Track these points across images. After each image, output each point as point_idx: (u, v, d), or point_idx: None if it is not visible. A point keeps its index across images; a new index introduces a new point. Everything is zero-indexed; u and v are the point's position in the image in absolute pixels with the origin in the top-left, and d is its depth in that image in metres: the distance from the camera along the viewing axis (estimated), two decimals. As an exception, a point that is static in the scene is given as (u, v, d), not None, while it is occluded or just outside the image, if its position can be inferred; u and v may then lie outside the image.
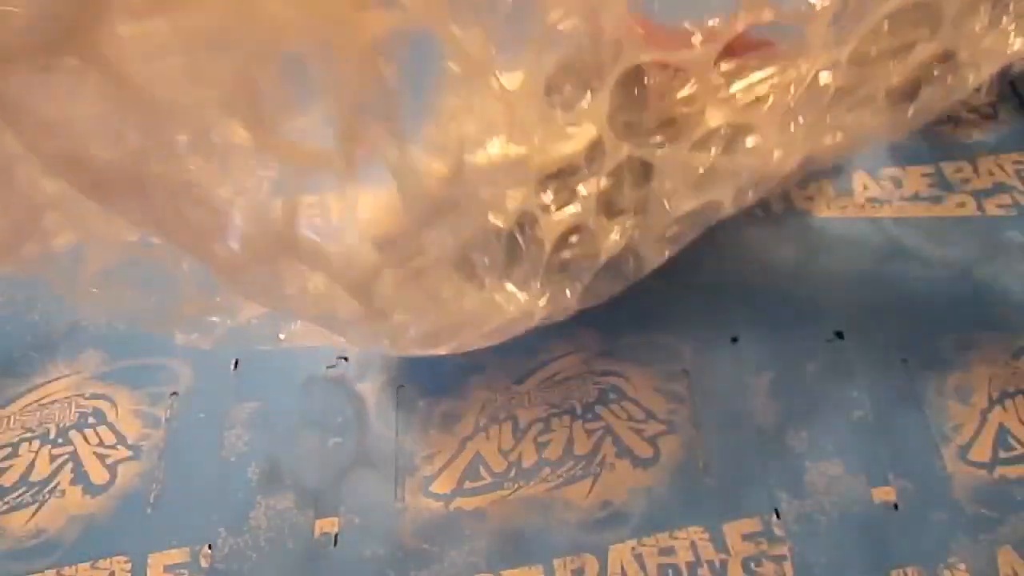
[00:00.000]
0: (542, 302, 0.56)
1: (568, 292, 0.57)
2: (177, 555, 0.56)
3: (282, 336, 0.60)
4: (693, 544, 0.56)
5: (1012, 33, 0.55)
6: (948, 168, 0.76)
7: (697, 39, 0.49)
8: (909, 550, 0.56)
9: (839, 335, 0.65)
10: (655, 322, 0.66)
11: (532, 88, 0.47)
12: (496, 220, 0.52)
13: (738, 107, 0.55)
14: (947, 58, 0.57)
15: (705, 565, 0.55)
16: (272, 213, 0.44)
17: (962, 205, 0.74)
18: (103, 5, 0.32)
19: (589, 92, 0.49)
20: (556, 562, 0.56)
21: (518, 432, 0.61)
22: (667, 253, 0.59)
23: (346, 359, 0.60)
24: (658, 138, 0.55)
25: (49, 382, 0.64)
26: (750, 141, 0.57)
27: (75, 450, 0.60)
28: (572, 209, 0.55)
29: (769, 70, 0.54)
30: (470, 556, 0.56)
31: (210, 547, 0.56)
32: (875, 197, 0.73)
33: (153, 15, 0.34)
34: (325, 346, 0.61)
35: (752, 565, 0.55)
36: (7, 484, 0.59)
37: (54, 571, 0.55)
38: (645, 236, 0.58)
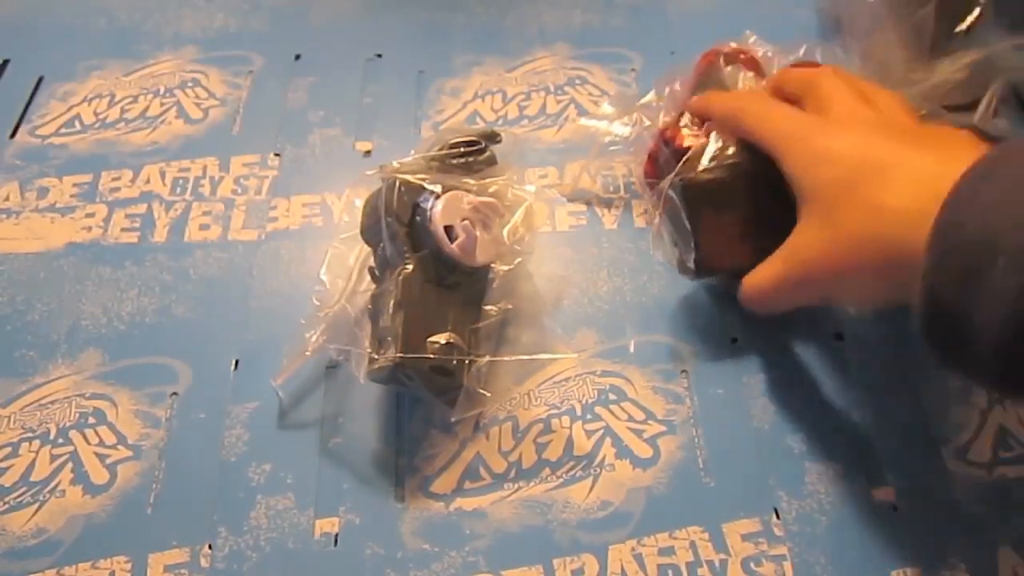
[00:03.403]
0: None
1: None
2: (177, 555, 0.56)
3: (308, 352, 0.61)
4: (693, 544, 0.56)
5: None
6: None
7: None
8: (909, 550, 0.56)
9: (838, 336, 0.65)
10: (655, 323, 0.66)
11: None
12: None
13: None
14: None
15: (705, 565, 0.55)
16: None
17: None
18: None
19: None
20: (556, 562, 0.56)
21: (518, 433, 0.61)
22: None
23: (347, 359, 0.60)
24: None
25: (49, 382, 0.63)
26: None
27: (75, 450, 0.60)
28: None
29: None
30: (470, 556, 0.56)
31: (210, 547, 0.56)
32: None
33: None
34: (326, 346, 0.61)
35: (752, 565, 0.55)
36: (7, 484, 0.59)
37: (54, 571, 0.55)
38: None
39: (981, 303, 0.42)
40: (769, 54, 0.70)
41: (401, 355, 0.55)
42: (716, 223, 0.61)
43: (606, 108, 0.76)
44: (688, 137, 0.67)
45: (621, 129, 0.73)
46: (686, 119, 0.68)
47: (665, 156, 0.68)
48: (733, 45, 0.72)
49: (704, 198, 0.60)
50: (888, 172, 0.49)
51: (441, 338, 0.57)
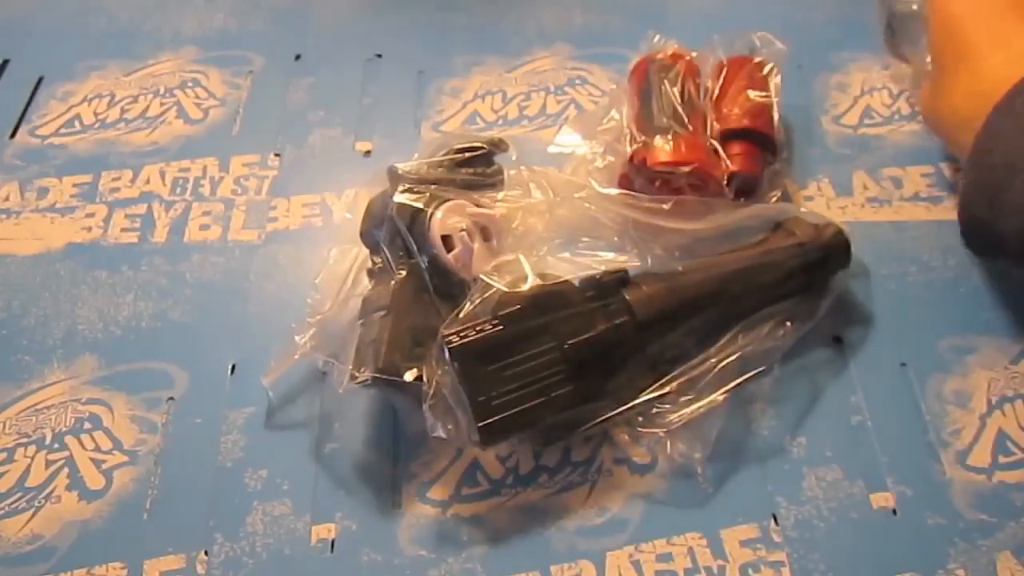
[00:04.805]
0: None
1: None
2: (173, 561, 0.56)
3: (296, 356, 0.61)
4: (691, 550, 0.56)
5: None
6: (948, 168, 0.75)
7: None
8: (908, 556, 0.55)
9: (838, 339, 0.65)
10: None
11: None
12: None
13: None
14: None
15: (703, 571, 0.55)
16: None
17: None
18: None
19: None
20: (553, 568, 0.55)
21: (514, 438, 0.61)
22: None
23: (329, 371, 0.60)
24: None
25: (45, 387, 0.63)
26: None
27: (71, 455, 0.60)
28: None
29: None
30: (467, 562, 0.56)
31: (206, 553, 0.56)
32: (875, 197, 0.73)
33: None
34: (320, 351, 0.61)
35: (750, 571, 0.55)
36: (2, 489, 0.59)
37: (49, 577, 0.55)
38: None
39: (1004, 214, 0.55)
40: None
41: (375, 375, 0.54)
42: (495, 381, 0.54)
43: (567, 132, 0.75)
44: (662, 152, 0.66)
45: (590, 152, 0.73)
46: (659, 140, 0.66)
47: (640, 182, 0.67)
48: (670, 51, 0.71)
49: (478, 356, 0.54)
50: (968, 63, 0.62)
51: (413, 372, 0.56)
